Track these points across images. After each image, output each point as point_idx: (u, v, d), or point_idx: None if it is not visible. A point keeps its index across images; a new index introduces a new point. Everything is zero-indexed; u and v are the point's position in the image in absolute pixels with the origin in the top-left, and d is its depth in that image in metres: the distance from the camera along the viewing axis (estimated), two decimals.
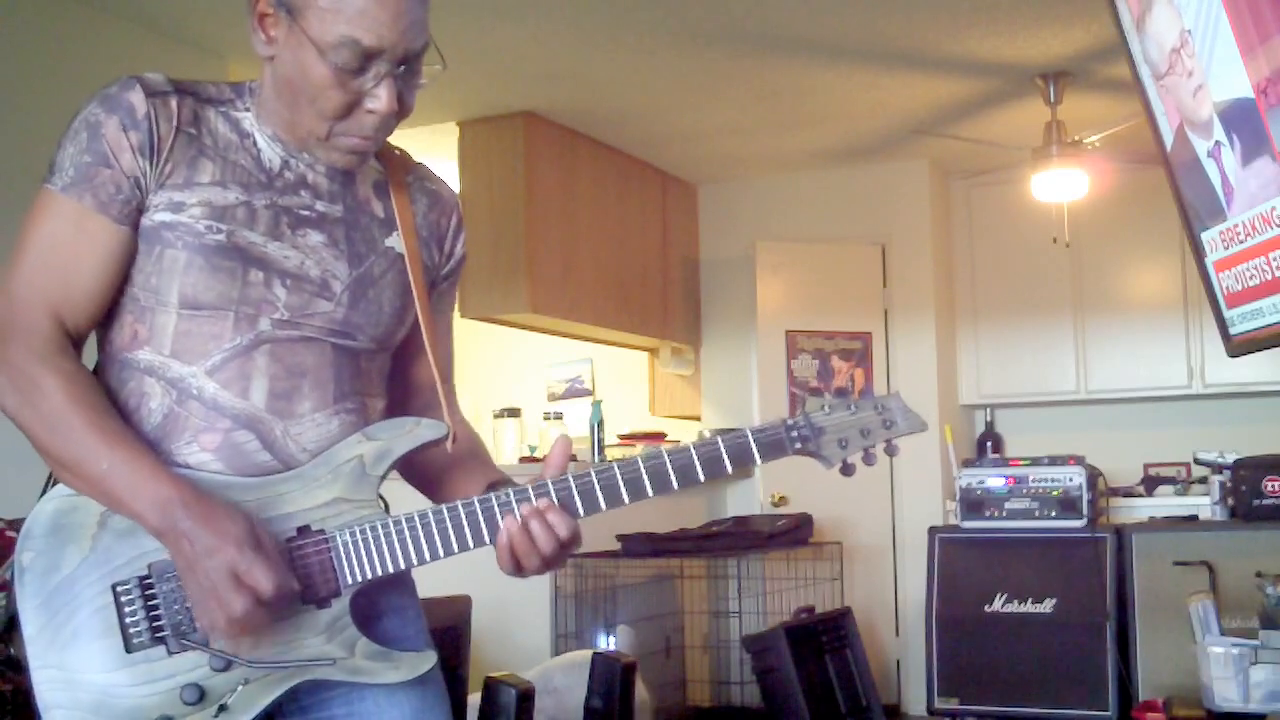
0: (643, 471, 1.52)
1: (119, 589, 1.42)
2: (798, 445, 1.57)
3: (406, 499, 1.59)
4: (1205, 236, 2.47)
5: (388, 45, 1.45)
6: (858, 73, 4.96)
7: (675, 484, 1.52)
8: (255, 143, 1.54)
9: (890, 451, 1.61)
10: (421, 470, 1.68)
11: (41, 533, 1.43)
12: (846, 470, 1.59)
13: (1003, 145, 5.40)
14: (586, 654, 3.91)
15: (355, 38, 1.43)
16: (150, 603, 1.42)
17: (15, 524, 3.16)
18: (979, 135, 5.53)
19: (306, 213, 1.55)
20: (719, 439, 1.55)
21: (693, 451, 1.53)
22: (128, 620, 1.42)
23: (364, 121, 1.50)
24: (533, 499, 1.49)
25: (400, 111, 1.51)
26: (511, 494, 1.50)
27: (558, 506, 1.48)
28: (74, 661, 1.41)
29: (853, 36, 4.59)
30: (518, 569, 1.52)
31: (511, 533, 1.48)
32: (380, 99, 1.48)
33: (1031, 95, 5.17)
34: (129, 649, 1.41)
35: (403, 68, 1.48)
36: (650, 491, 1.52)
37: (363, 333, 1.58)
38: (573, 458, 1.57)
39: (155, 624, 1.42)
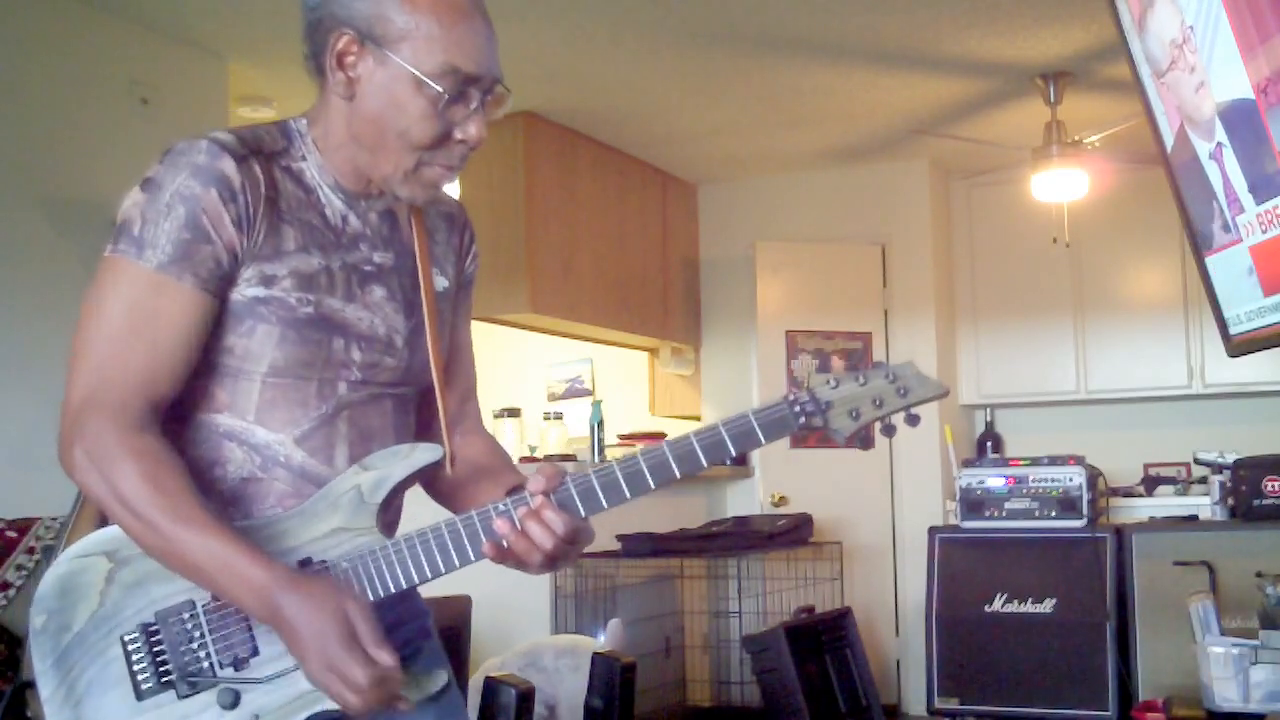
0: (643, 465, 1.48)
1: (126, 639, 1.43)
2: (802, 420, 1.48)
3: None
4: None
5: (483, 72, 1.49)
6: (858, 73, 4.96)
7: (677, 473, 1.48)
8: (320, 197, 1.55)
9: (910, 421, 1.52)
10: (443, 489, 1.69)
11: (51, 595, 1.44)
12: (865, 444, 1.53)
13: (1003, 145, 5.40)
14: (580, 639, 3.91)
15: (457, 64, 1.47)
16: (156, 649, 1.43)
17: (15, 524, 3.15)
18: (979, 135, 5.53)
19: (369, 268, 1.57)
20: (720, 425, 1.49)
21: (693, 441, 1.48)
22: (136, 668, 1.42)
23: (453, 151, 1.53)
24: (529, 502, 1.47)
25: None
26: (510, 504, 1.48)
27: (553, 503, 1.46)
28: (89, 714, 1.42)
29: (853, 36, 4.59)
30: (521, 568, 1.50)
31: (505, 534, 1.46)
32: (471, 128, 1.51)
33: (1031, 95, 5.17)
34: (139, 697, 1.42)
35: (489, 97, 1.51)
36: (652, 484, 1.48)
37: (418, 380, 1.63)
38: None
39: (162, 669, 1.42)
